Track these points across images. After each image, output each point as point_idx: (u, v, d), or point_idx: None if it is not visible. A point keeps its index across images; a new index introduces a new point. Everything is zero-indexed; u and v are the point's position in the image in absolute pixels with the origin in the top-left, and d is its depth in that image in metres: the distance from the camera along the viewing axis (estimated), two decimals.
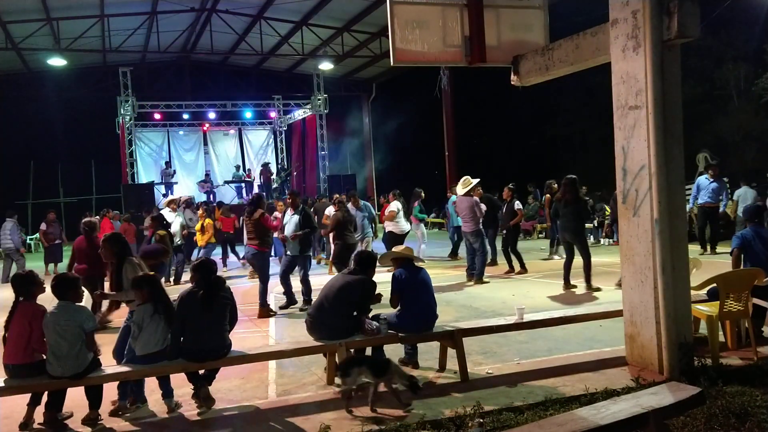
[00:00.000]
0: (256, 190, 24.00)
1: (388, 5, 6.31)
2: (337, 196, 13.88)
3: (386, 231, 12.42)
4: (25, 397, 4.79)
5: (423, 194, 14.01)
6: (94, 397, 4.73)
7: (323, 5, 19.96)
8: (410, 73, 24.93)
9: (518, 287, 9.80)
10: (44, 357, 4.66)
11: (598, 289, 8.98)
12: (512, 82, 6.85)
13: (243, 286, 11.33)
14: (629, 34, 4.98)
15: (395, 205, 12.21)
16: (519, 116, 28.62)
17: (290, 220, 8.90)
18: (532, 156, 29.46)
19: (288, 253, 8.93)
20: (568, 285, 9.25)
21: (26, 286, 4.84)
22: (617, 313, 5.72)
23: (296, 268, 8.94)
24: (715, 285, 5.62)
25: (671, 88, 4.92)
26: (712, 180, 12.14)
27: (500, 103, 26.47)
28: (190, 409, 4.89)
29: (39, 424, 4.68)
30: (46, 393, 4.72)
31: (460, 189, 10.49)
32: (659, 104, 4.84)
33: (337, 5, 19.89)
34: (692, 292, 5.23)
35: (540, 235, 18.94)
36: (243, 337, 7.28)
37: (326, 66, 23.91)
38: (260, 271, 8.63)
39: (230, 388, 5.35)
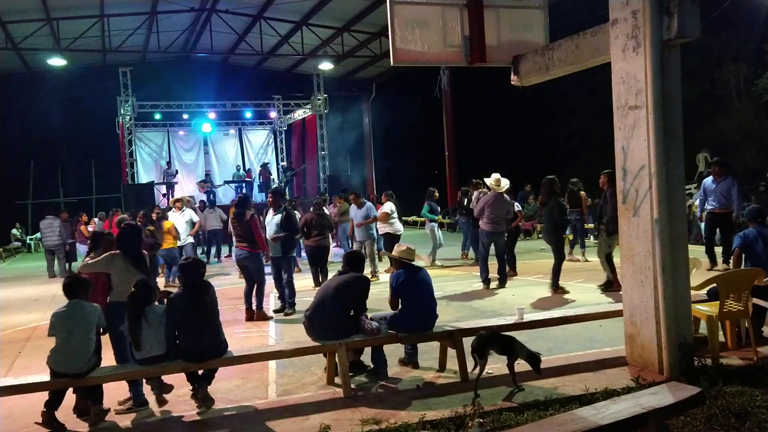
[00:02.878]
0: (255, 190, 24.04)
1: (388, 5, 6.31)
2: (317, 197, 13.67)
3: (381, 233, 12.27)
4: (24, 398, 4.80)
5: (436, 194, 13.52)
6: (96, 392, 4.77)
7: (323, 5, 19.96)
8: (410, 73, 24.91)
9: (518, 287, 9.79)
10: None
11: (566, 291, 9.04)
12: (512, 82, 6.85)
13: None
14: (629, 34, 4.98)
15: (388, 207, 11.99)
16: (519, 116, 28.60)
17: (271, 221, 8.70)
18: (532, 156, 29.45)
19: (271, 255, 8.65)
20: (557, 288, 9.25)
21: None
22: (617, 313, 5.72)
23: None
24: (715, 285, 5.62)
25: (671, 88, 4.92)
26: (717, 180, 10.12)
27: (500, 103, 26.46)
28: (190, 409, 4.89)
29: (36, 423, 4.68)
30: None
31: (495, 187, 9.91)
32: (659, 104, 4.83)
33: (337, 5, 19.89)
34: (692, 292, 5.23)
35: (540, 235, 18.91)
36: (243, 337, 7.29)
37: (326, 66, 23.91)
38: (256, 274, 8.27)
39: (230, 388, 5.35)
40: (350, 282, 5.40)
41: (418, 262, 5.74)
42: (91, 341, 4.68)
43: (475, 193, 11.07)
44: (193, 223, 12.80)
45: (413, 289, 5.45)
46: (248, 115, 26.23)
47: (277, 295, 8.89)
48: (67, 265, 14.60)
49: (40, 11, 18.54)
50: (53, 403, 4.69)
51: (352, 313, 5.37)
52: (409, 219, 22.68)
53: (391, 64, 6.51)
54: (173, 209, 13.01)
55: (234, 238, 8.76)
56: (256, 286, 8.29)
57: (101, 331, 4.88)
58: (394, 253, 5.75)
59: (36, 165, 26.27)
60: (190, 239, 12.72)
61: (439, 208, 13.48)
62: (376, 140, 28.83)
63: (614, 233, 8.91)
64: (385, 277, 10.69)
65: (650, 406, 3.59)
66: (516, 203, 11.31)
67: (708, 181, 10.37)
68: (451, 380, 5.28)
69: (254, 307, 8.33)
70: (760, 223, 6.25)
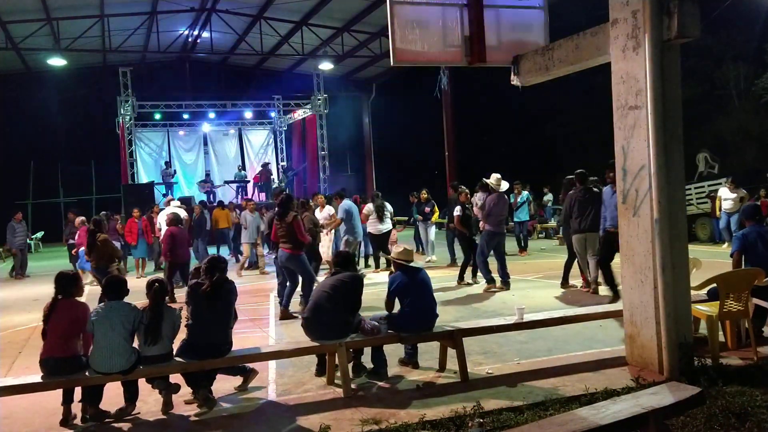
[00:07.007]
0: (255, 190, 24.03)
1: (388, 5, 6.31)
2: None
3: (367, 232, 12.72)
4: (24, 398, 4.80)
5: (424, 194, 13.91)
6: (134, 391, 4.84)
7: (323, 5, 19.97)
8: (410, 73, 24.92)
9: (518, 287, 9.79)
10: (81, 352, 4.76)
11: (573, 286, 9.21)
12: (512, 82, 6.84)
13: (248, 286, 11.32)
14: (629, 34, 4.98)
15: (368, 208, 12.50)
16: (519, 116, 28.59)
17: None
18: (531, 156, 29.46)
19: None
20: (566, 284, 9.42)
21: (69, 286, 4.92)
22: (617, 313, 5.72)
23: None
24: (715, 285, 5.61)
25: (671, 88, 4.92)
26: (614, 189, 7.32)
27: (500, 103, 26.44)
28: (190, 410, 4.89)
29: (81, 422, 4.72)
30: (79, 390, 4.79)
31: (497, 187, 9.76)
32: (659, 104, 4.83)
33: (337, 5, 19.90)
34: (692, 292, 5.23)
35: (540, 235, 18.93)
36: (243, 337, 7.28)
37: (326, 66, 23.90)
38: (303, 274, 8.32)
39: (230, 388, 5.35)
40: (346, 281, 5.42)
41: (416, 263, 5.72)
42: (129, 341, 4.72)
43: (479, 194, 10.96)
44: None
45: (413, 290, 5.45)
46: (248, 115, 26.23)
47: (279, 300, 8.86)
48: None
49: (40, 11, 18.54)
50: (94, 398, 4.73)
51: (351, 312, 5.37)
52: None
53: (391, 64, 6.50)
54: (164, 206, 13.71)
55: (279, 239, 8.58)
56: (304, 284, 8.32)
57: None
58: (392, 255, 5.77)
59: (36, 165, 26.27)
60: None
61: (427, 206, 13.82)
62: (376, 140, 28.82)
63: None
64: (380, 277, 10.78)
65: (650, 406, 3.59)
66: (458, 207, 10.70)
67: (607, 190, 8.20)
68: (451, 380, 5.28)
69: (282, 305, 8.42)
70: (757, 221, 6.19)
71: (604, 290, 8.60)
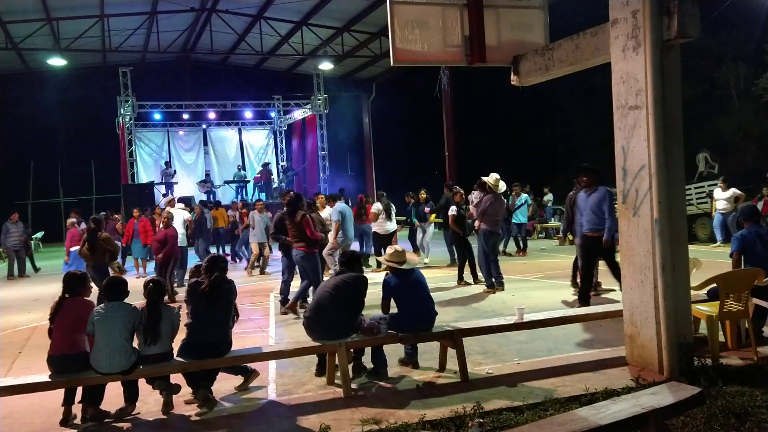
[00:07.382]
0: (255, 190, 24.03)
1: (388, 5, 6.31)
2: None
3: (372, 231, 12.82)
4: (24, 398, 4.80)
5: (423, 194, 13.88)
6: (134, 391, 4.84)
7: (323, 5, 19.96)
8: (410, 73, 24.91)
9: (518, 287, 9.79)
10: (88, 349, 4.75)
11: (577, 285, 9.00)
12: (512, 82, 6.85)
13: (248, 285, 11.32)
14: (629, 34, 4.98)
15: (376, 207, 12.58)
16: (519, 116, 28.62)
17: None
18: (531, 155, 29.48)
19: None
20: (575, 283, 9.30)
21: (77, 285, 4.99)
22: (617, 313, 5.72)
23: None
24: (715, 285, 5.62)
25: (671, 88, 4.92)
26: (588, 193, 7.73)
27: (500, 103, 26.46)
28: (190, 410, 4.89)
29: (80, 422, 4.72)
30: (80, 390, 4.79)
31: (494, 187, 9.69)
32: (659, 104, 4.84)
33: (337, 5, 19.89)
34: (692, 292, 5.23)
35: (540, 235, 18.93)
36: (243, 337, 7.29)
37: (326, 66, 23.90)
38: (312, 273, 8.34)
39: (230, 388, 5.35)
40: (349, 282, 5.42)
41: (410, 263, 5.68)
42: (129, 341, 4.74)
43: (475, 193, 10.92)
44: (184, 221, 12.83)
45: (406, 291, 5.46)
46: (248, 115, 26.24)
47: (281, 298, 8.88)
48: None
49: (40, 11, 18.53)
50: (94, 398, 4.72)
51: (352, 312, 5.37)
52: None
53: (391, 64, 6.51)
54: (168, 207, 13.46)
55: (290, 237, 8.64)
56: (310, 283, 8.37)
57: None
58: (383, 258, 5.78)
59: (36, 165, 26.25)
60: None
61: (427, 206, 13.82)
62: (376, 140, 28.81)
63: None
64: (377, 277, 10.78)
65: (650, 406, 3.59)
66: (453, 207, 10.68)
67: (581, 195, 7.93)
68: (451, 380, 5.28)
69: (290, 297, 8.52)
70: (755, 222, 6.19)
71: (605, 290, 8.62)
